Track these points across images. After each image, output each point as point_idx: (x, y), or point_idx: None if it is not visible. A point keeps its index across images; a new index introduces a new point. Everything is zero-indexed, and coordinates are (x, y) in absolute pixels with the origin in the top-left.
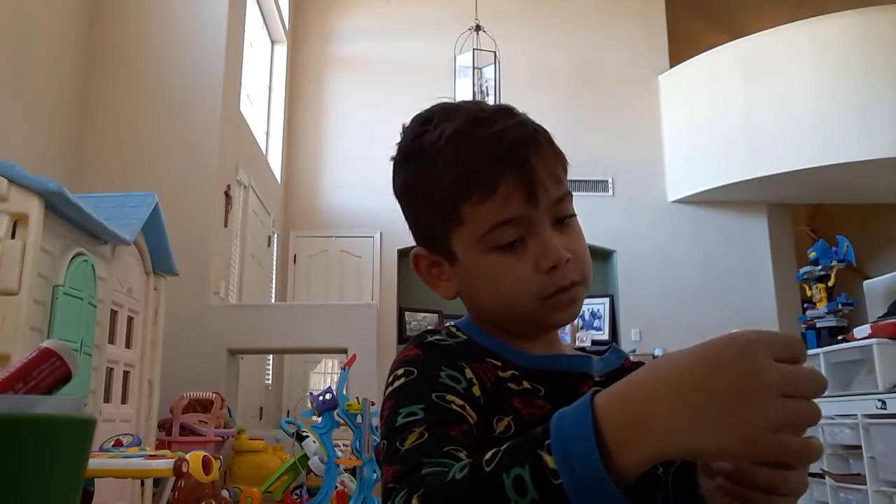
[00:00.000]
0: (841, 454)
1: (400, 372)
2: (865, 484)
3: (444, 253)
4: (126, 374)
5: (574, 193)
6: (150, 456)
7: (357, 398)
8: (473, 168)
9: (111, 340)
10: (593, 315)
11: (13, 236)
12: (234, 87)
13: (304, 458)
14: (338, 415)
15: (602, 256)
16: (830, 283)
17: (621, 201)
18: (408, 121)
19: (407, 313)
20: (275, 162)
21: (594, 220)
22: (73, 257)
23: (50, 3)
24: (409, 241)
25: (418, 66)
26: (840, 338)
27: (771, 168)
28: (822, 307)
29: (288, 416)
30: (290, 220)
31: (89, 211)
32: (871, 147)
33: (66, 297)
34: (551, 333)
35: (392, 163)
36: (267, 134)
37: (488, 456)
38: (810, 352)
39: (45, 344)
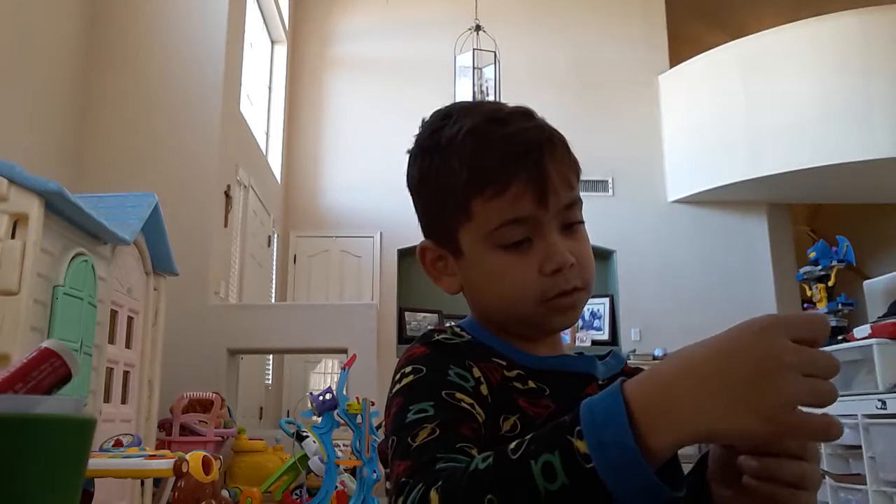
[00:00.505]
0: (841, 454)
1: (408, 370)
2: (865, 484)
3: (450, 247)
4: (126, 374)
5: None
6: (150, 456)
7: (357, 398)
8: (487, 164)
9: (111, 340)
10: (593, 315)
11: (13, 236)
12: (234, 88)
13: (304, 458)
14: (338, 415)
15: (602, 256)
16: (830, 283)
17: (621, 201)
18: (424, 117)
19: (407, 313)
20: (275, 162)
21: (594, 220)
22: (73, 257)
23: (50, 3)
24: (409, 241)
25: (418, 66)
26: (840, 338)
27: (771, 168)
28: (822, 307)
29: (288, 416)
30: (290, 220)
31: (89, 211)
32: (871, 147)
33: (66, 297)
34: (554, 336)
35: (408, 155)
36: (267, 134)
37: (512, 446)
38: None
39: (45, 344)
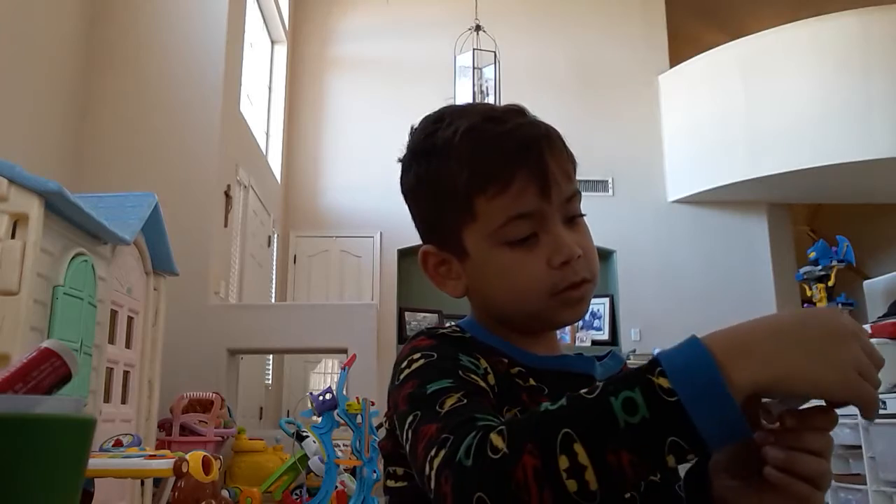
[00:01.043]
0: (841, 454)
1: (417, 356)
2: (865, 484)
3: (454, 249)
4: (126, 374)
5: None
6: (150, 456)
7: (357, 398)
8: (488, 163)
9: (111, 340)
10: (593, 315)
11: (13, 236)
12: (234, 88)
13: (304, 458)
14: (338, 415)
15: (602, 256)
16: (830, 283)
17: (621, 201)
18: (415, 122)
19: (407, 313)
20: (275, 162)
21: (594, 220)
22: (73, 257)
23: (50, 3)
24: (409, 241)
25: (418, 66)
26: None
27: (771, 168)
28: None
29: (288, 416)
30: (290, 220)
31: (89, 211)
32: (871, 147)
33: (66, 297)
34: (551, 334)
35: (400, 162)
36: (267, 134)
37: (584, 390)
38: None
39: (45, 344)
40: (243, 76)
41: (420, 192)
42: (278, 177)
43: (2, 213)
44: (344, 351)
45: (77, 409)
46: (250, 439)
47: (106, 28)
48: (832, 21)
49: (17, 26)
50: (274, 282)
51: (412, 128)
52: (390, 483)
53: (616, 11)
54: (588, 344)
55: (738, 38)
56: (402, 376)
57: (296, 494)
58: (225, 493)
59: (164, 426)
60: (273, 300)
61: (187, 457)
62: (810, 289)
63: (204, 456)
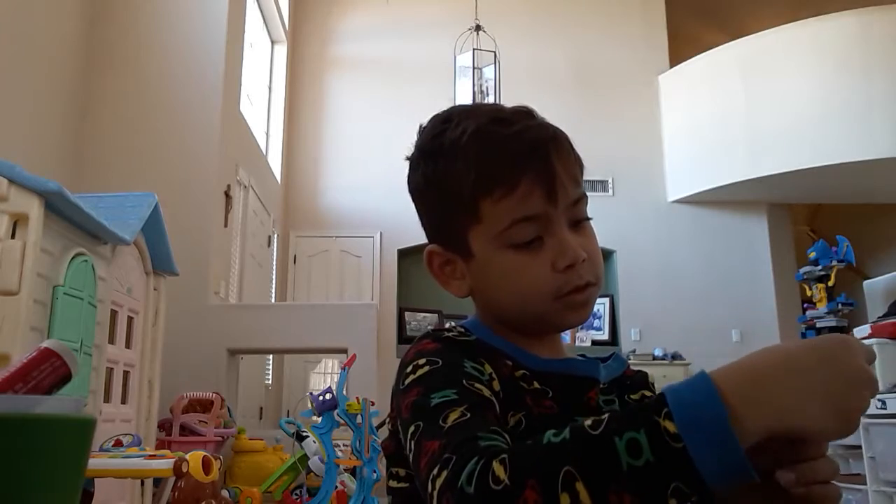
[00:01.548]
0: (841, 454)
1: (422, 361)
2: (865, 484)
3: (459, 250)
4: (126, 374)
5: None
6: (150, 456)
7: (357, 398)
8: (495, 165)
9: (111, 340)
10: (593, 315)
11: (13, 236)
12: (234, 88)
13: (304, 458)
14: (338, 415)
15: (602, 256)
16: (830, 283)
17: (621, 201)
18: (418, 121)
19: (407, 313)
20: (275, 162)
21: (594, 220)
22: (73, 257)
23: (50, 3)
24: (409, 241)
25: (418, 66)
26: None
27: (771, 168)
28: (822, 307)
29: (288, 416)
30: (290, 220)
31: (89, 211)
32: (871, 147)
33: (66, 297)
34: (555, 336)
35: (408, 160)
36: (267, 134)
37: (588, 422)
38: None
39: (45, 344)
40: (243, 76)
41: (427, 192)
42: (278, 177)
43: (2, 213)
44: (344, 351)
45: (77, 409)
46: (250, 439)
47: (106, 28)
48: (832, 21)
49: (17, 26)
50: (274, 282)
51: (421, 126)
52: (392, 483)
53: (616, 11)
54: (588, 344)
55: (738, 38)
56: (406, 381)
57: (296, 494)
58: (225, 493)
59: (164, 426)
60: (273, 300)
61: (187, 457)
62: (810, 289)
63: (204, 456)
